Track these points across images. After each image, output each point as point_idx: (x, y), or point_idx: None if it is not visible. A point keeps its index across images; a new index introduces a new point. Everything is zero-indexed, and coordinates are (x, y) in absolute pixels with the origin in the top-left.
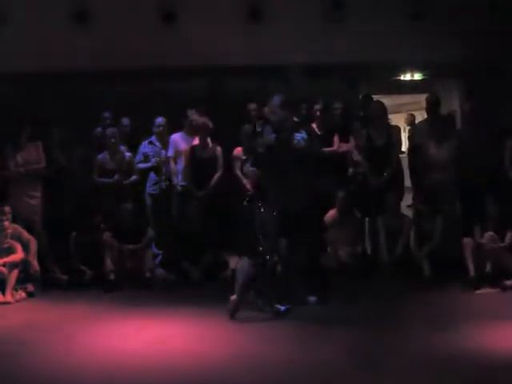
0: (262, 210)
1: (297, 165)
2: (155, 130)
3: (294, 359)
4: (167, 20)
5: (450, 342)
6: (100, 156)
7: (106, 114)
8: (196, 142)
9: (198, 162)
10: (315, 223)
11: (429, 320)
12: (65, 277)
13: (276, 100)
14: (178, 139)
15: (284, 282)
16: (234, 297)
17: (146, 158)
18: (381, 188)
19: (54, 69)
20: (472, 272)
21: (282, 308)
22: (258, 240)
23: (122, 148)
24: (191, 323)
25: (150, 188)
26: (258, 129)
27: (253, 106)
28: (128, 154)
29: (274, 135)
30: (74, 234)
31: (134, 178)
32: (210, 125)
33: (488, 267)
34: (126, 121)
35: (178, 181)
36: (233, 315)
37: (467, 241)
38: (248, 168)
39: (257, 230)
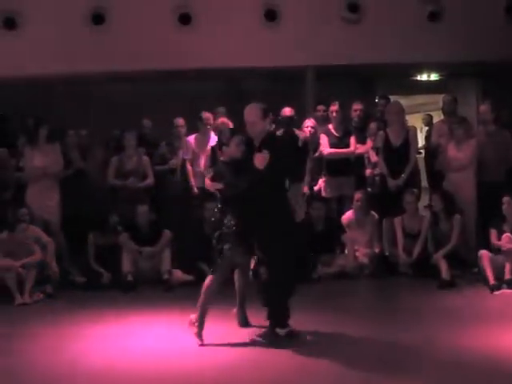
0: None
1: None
2: (174, 131)
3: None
4: (184, 21)
5: (470, 343)
6: (116, 158)
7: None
8: (213, 142)
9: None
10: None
11: (447, 322)
12: (82, 278)
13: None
14: (193, 141)
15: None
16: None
17: (164, 160)
18: (398, 189)
19: (71, 70)
20: (492, 281)
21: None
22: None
23: (140, 150)
24: (207, 324)
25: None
26: None
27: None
28: (145, 157)
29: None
30: (90, 235)
31: (148, 181)
32: (230, 125)
33: (508, 268)
34: (147, 123)
35: (196, 183)
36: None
37: (483, 252)
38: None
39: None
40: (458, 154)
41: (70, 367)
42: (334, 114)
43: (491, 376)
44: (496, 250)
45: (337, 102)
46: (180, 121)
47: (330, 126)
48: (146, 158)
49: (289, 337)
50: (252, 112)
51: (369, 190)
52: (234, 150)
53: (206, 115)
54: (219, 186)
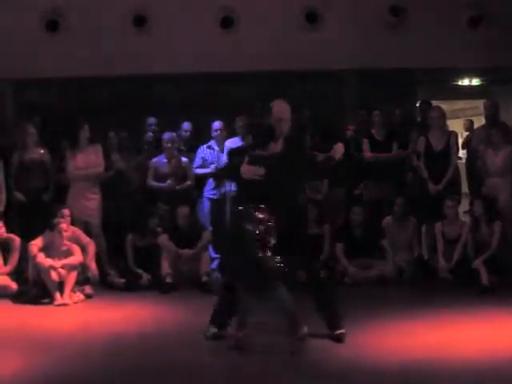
0: None
1: None
2: (213, 134)
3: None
4: (225, 24)
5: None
6: (155, 160)
7: (151, 121)
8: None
9: None
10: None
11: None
12: (122, 280)
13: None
14: (232, 144)
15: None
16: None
17: (205, 163)
18: (439, 194)
19: (112, 72)
20: None
21: None
22: None
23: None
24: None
25: (208, 192)
26: None
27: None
28: (185, 160)
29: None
30: (129, 237)
31: (188, 183)
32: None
33: None
34: (186, 125)
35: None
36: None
37: None
38: None
39: None
40: (496, 159)
41: (102, 368)
42: (376, 119)
43: None
44: None
45: (378, 107)
46: (218, 124)
47: (373, 131)
48: (185, 160)
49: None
50: (285, 109)
51: (409, 194)
52: (279, 146)
53: (240, 120)
54: (261, 171)
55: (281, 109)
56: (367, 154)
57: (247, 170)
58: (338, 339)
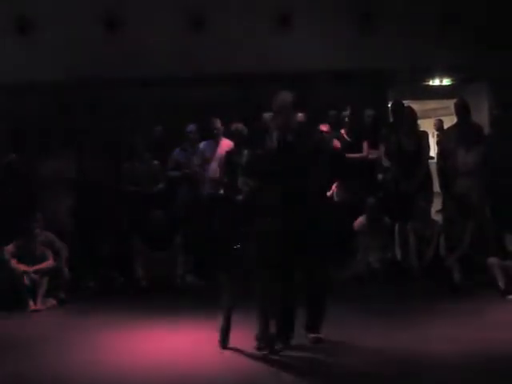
0: None
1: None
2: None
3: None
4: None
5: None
6: (128, 164)
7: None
8: (226, 148)
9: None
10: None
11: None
12: (95, 284)
13: None
14: (205, 147)
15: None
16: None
17: (178, 166)
18: (410, 193)
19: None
20: (503, 286)
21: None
22: None
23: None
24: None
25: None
26: None
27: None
28: (155, 162)
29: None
30: (103, 240)
31: (160, 186)
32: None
33: None
34: (191, 127)
35: (206, 188)
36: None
37: (492, 260)
38: None
39: None
40: (467, 158)
41: (79, 372)
42: (346, 119)
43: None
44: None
45: (349, 107)
46: (191, 127)
47: (342, 131)
48: (156, 163)
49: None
50: (286, 101)
51: (381, 194)
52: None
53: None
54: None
55: (282, 100)
56: None
57: None
58: (315, 341)
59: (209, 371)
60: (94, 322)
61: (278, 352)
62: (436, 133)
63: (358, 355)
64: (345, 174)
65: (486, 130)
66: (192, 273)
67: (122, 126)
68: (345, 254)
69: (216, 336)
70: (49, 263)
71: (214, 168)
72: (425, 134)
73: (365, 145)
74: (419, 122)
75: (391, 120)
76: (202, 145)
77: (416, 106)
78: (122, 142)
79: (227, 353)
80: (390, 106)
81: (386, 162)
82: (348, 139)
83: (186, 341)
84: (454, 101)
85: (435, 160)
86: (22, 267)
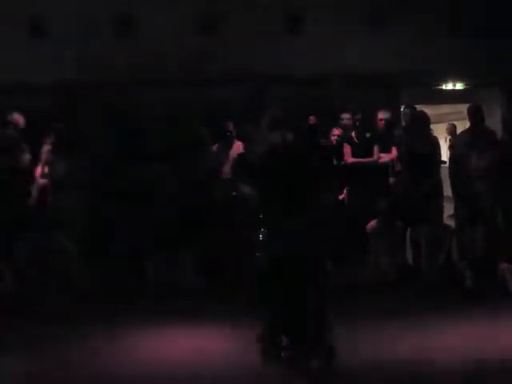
0: None
1: None
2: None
3: None
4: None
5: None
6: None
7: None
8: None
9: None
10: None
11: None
12: (105, 284)
13: None
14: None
15: None
16: None
17: None
18: (422, 198)
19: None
20: None
21: None
22: None
23: None
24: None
25: None
26: None
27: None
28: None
29: None
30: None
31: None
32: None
33: None
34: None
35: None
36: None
37: (504, 266)
38: None
39: None
40: (479, 163)
41: (86, 371)
42: (357, 123)
43: None
44: None
45: (359, 111)
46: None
47: (353, 135)
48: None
49: None
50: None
51: (393, 198)
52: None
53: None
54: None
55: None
56: (349, 158)
57: None
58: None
59: (216, 371)
60: (102, 321)
61: (280, 356)
62: (448, 137)
63: (367, 357)
64: (352, 177)
65: (499, 134)
66: (200, 273)
67: (135, 128)
68: (357, 257)
69: (222, 335)
70: None
71: (226, 170)
72: (436, 139)
73: (375, 149)
74: (432, 126)
75: (403, 124)
76: (214, 147)
77: (429, 110)
78: (134, 143)
79: (234, 353)
80: (402, 109)
81: (398, 166)
82: (359, 143)
83: (192, 342)
84: (468, 106)
85: (447, 164)
86: None
